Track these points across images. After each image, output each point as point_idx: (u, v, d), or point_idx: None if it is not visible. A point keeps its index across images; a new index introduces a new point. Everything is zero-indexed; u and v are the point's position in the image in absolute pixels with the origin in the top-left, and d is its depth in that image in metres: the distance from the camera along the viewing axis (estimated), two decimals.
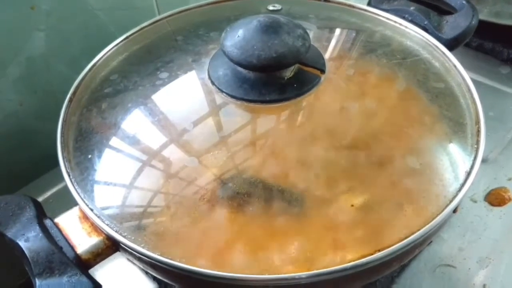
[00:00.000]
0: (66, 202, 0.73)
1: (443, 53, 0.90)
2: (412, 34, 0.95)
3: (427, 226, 0.68)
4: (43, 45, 1.04)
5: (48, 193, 1.03)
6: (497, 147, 1.06)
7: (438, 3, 1.02)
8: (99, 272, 0.73)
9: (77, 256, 0.68)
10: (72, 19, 1.06)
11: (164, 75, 0.88)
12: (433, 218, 0.69)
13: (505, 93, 1.21)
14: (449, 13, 0.98)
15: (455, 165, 0.78)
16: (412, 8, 0.96)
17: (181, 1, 1.21)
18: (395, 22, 0.97)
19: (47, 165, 1.07)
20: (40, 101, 1.06)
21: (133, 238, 0.71)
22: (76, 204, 0.73)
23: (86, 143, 0.83)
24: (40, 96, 1.06)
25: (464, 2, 0.96)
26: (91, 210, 0.72)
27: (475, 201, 0.98)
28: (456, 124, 0.86)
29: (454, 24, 0.94)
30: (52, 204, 0.95)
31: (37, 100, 1.06)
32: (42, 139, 1.07)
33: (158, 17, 1.01)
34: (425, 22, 0.94)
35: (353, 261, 0.65)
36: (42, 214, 0.71)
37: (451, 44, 0.92)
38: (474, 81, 0.84)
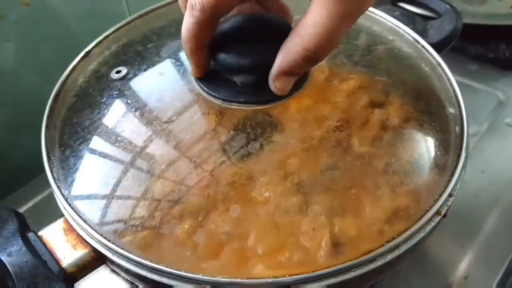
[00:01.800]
0: (45, 215, 0.71)
1: (431, 54, 0.91)
2: (401, 34, 0.96)
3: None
4: (13, 56, 1.01)
5: (25, 207, 1.01)
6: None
7: (422, 8, 1.03)
8: (83, 284, 0.71)
9: (62, 270, 0.66)
10: (42, 28, 1.03)
11: (151, 79, 0.87)
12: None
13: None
14: (433, 17, 0.99)
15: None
16: (397, 12, 0.97)
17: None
18: (387, 21, 0.97)
19: (23, 178, 1.04)
20: (12, 114, 1.03)
21: (119, 250, 0.70)
22: (59, 216, 0.71)
23: (70, 153, 0.80)
24: (12, 108, 1.03)
25: (447, 6, 0.97)
26: (76, 221, 0.69)
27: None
28: (441, 126, 0.88)
29: (438, 28, 0.95)
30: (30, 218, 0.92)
31: (9, 113, 1.03)
32: (16, 152, 1.04)
33: (133, 16, 0.98)
34: (410, 27, 0.95)
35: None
36: (25, 227, 0.69)
37: (437, 48, 0.93)
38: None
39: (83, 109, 0.86)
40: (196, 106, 0.84)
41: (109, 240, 0.74)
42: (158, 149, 0.82)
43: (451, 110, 0.85)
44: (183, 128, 0.84)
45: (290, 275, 0.68)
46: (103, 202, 0.76)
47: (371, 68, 1.00)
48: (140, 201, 0.80)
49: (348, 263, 0.72)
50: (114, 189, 0.76)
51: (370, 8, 0.96)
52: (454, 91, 0.85)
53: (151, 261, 0.69)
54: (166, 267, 0.68)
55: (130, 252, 0.70)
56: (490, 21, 1.26)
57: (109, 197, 0.76)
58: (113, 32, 0.98)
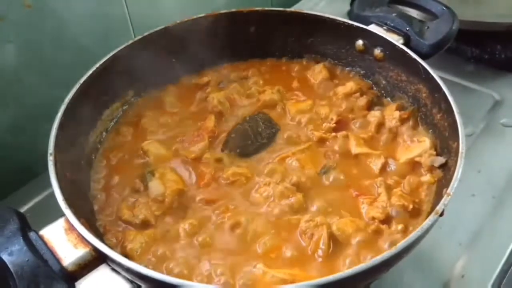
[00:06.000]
0: (46, 214, 0.71)
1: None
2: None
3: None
4: (14, 57, 1.01)
5: (26, 206, 1.00)
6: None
7: (419, 10, 1.03)
8: (84, 283, 0.71)
9: (63, 269, 0.66)
10: (43, 31, 1.03)
11: None
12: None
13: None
14: (430, 19, 0.99)
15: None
16: (394, 14, 0.98)
17: (152, 7, 1.21)
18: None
19: (24, 178, 1.04)
20: (12, 115, 1.03)
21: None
22: (60, 215, 0.71)
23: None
24: (13, 109, 1.03)
25: (444, 8, 0.98)
26: (78, 220, 0.69)
27: None
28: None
29: (435, 30, 0.95)
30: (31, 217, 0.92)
31: (10, 114, 1.03)
32: (17, 152, 1.04)
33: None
34: (407, 28, 0.96)
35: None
36: (26, 227, 0.69)
37: (433, 49, 0.94)
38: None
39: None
40: None
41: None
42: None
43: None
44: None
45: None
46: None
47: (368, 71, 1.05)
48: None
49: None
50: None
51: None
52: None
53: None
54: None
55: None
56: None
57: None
58: None
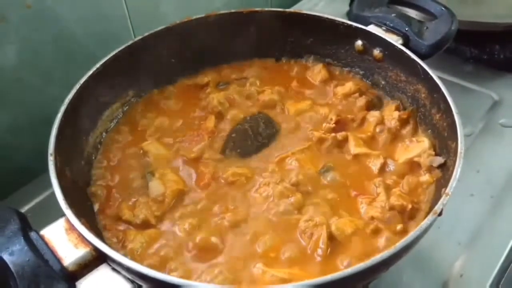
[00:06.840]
0: (47, 214, 0.71)
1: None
2: None
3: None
4: (15, 58, 1.01)
5: (26, 207, 1.01)
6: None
7: (418, 10, 1.03)
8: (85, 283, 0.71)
9: (63, 269, 0.66)
10: (44, 31, 1.03)
11: None
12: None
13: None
14: (429, 19, 1.00)
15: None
16: (393, 15, 0.98)
17: (151, 7, 1.22)
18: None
19: (25, 178, 1.05)
20: (13, 115, 1.03)
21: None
22: (61, 215, 0.71)
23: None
24: (13, 110, 1.03)
25: (443, 8, 0.98)
26: (79, 220, 0.69)
27: None
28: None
29: (434, 30, 0.96)
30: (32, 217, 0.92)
31: (10, 114, 1.03)
32: (17, 152, 1.04)
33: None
34: (406, 29, 0.96)
35: None
36: (27, 227, 0.69)
37: (432, 49, 0.94)
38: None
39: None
40: None
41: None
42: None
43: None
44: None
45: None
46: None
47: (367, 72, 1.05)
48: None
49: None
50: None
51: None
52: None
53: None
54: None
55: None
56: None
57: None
58: None
